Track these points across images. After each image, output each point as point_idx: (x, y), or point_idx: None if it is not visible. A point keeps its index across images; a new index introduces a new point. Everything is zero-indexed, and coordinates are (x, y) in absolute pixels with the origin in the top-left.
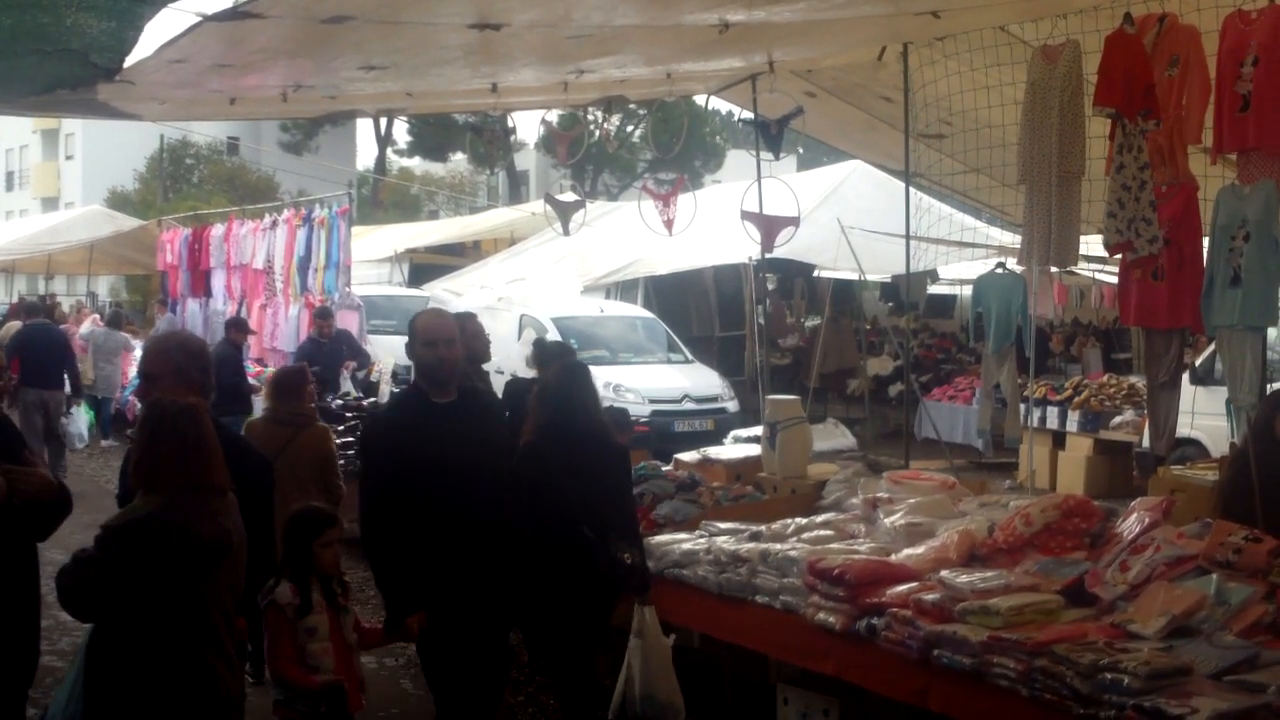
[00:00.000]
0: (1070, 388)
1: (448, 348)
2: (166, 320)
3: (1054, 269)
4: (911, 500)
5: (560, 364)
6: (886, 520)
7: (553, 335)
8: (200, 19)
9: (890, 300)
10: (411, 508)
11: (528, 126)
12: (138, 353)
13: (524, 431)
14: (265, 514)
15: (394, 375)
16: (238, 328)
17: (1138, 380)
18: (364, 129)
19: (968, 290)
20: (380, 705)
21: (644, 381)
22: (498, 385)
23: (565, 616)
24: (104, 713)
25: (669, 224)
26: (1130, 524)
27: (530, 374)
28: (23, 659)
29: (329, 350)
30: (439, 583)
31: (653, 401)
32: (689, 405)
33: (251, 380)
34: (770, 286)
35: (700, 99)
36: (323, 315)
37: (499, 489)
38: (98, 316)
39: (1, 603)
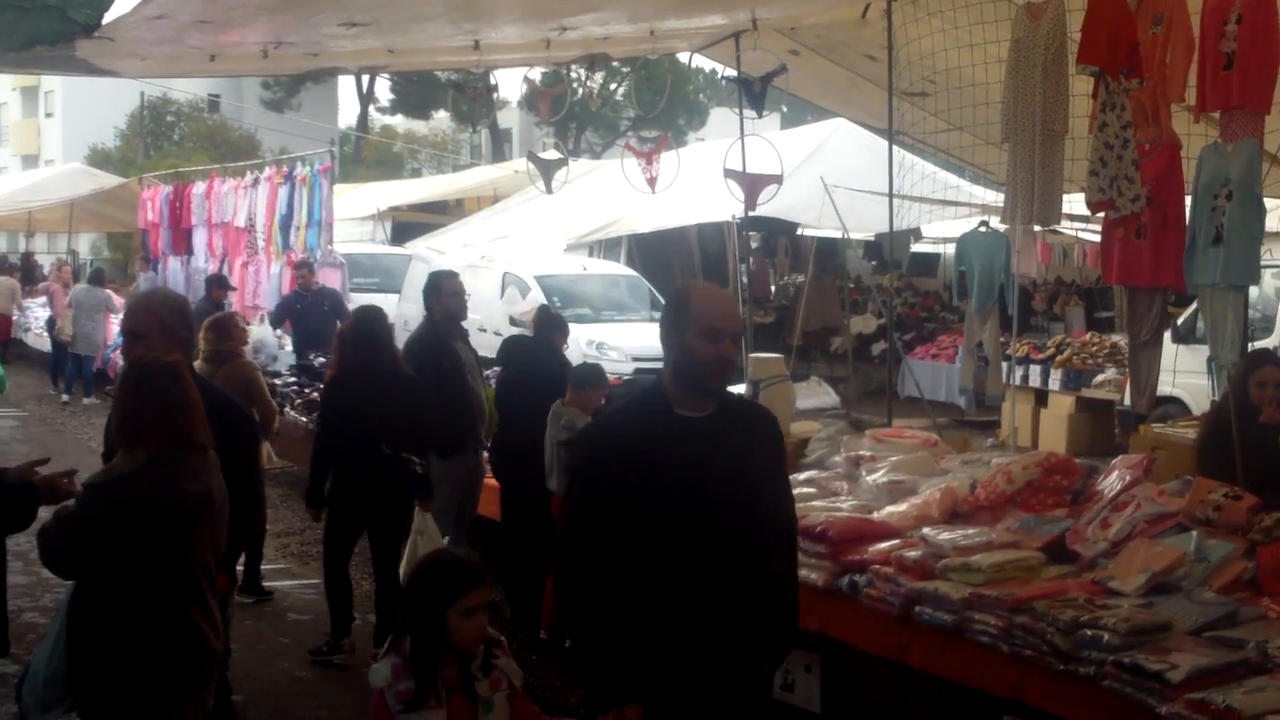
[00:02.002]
0: (1053, 346)
1: (734, 344)
2: (148, 278)
3: (1037, 227)
4: (894, 458)
5: (358, 310)
6: (869, 478)
7: (535, 293)
8: None
9: (873, 259)
10: (632, 560)
11: (510, 84)
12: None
13: (329, 366)
14: (249, 471)
15: None
16: (219, 285)
17: (1120, 339)
18: (346, 86)
19: (951, 249)
20: (363, 663)
21: (627, 339)
22: (480, 342)
23: (372, 514)
24: (86, 669)
25: (652, 182)
26: (1111, 481)
27: (515, 331)
28: None
29: (310, 304)
30: (666, 667)
31: (636, 359)
32: None
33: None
34: (753, 245)
35: (683, 57)
36: (303, 267)
37: (765, 542)
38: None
39: None
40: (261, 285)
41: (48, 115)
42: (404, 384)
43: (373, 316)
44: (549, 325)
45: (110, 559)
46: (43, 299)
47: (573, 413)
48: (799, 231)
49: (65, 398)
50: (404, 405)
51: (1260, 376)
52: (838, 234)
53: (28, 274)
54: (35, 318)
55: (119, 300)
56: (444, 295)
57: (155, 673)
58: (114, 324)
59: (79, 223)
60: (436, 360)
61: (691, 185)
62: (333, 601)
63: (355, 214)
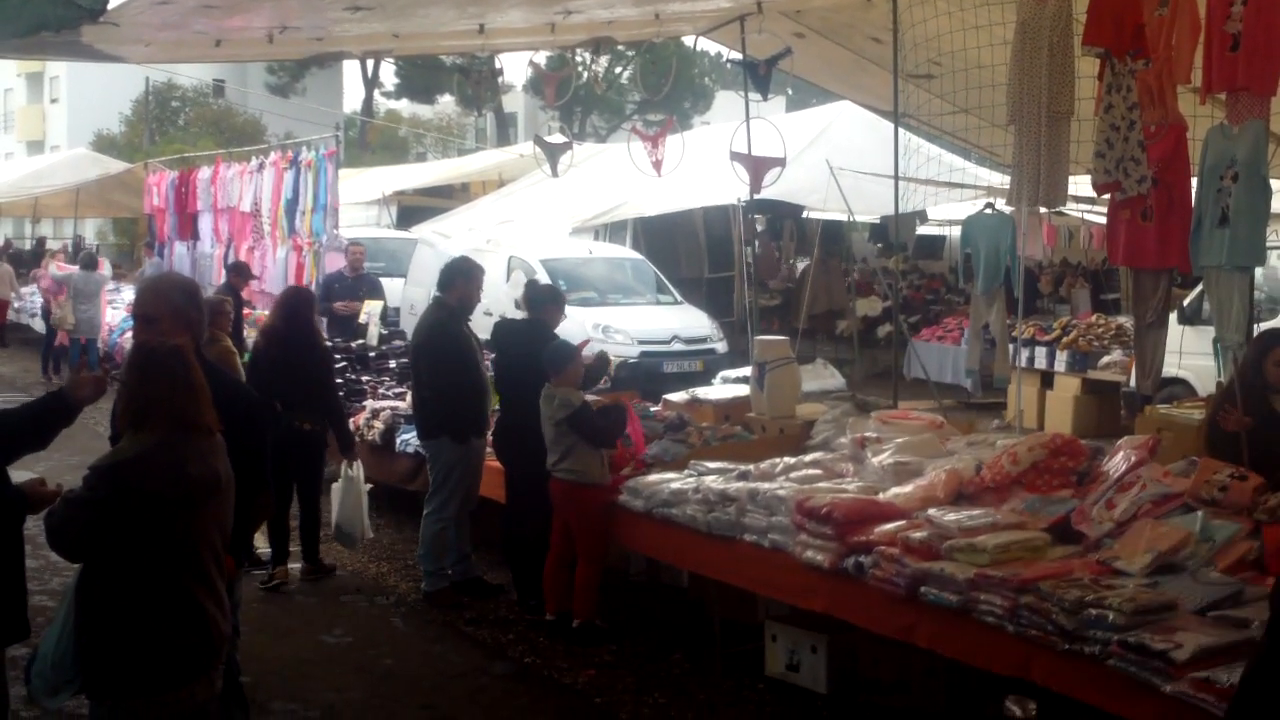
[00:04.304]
0: (1059, 328)
1: None
2: (153, 264)
3: (1043, 209)
4: (899, 439)
5: (286, 290)
6: (874, 459)
7: (541, 277)
8: None
9: (879, 241)
10: None
11: (515, 68)
12: (124, 293)
13: (259, 337)
14: (256, 454)
15: (383, 317)
16: (240, 273)
17: (1126, 320)
18: (351, 71)
19: (956, 231)
20: (371, 644)
21: (633, 323)
22: (484, 325)
23: (286, 464)
24: (94, 651)
25: (657, 165)
26: (1117, 462)
27: (518, 315)
28: (6, 618)
29: (348, 287)
30: None
31: (641, 342)
32: (678, 346)
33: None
34: (759, 228)
35: (689, 40)
36: (356, 244)
37: None
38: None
39: None
40: (268, 270)
41: (53, 101)
42: (319, 355)
43: (296, 295)
44: (538, 303)
45: (117, 542)
46: (32, 286)
47: (565, 391)
48: (804, 214)
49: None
50: (314, 372)
51: (1278, 355)
52: (843, 217)
53: (36, 258)
54: (39, 303)
55: (110, 270)
56: (472, 285)
57: (163, 654)
58: (109, 303)
59: (85, 208)
60: (454, 345)
61: (697, 168)
62: (272, 536)
63: (361, 198)
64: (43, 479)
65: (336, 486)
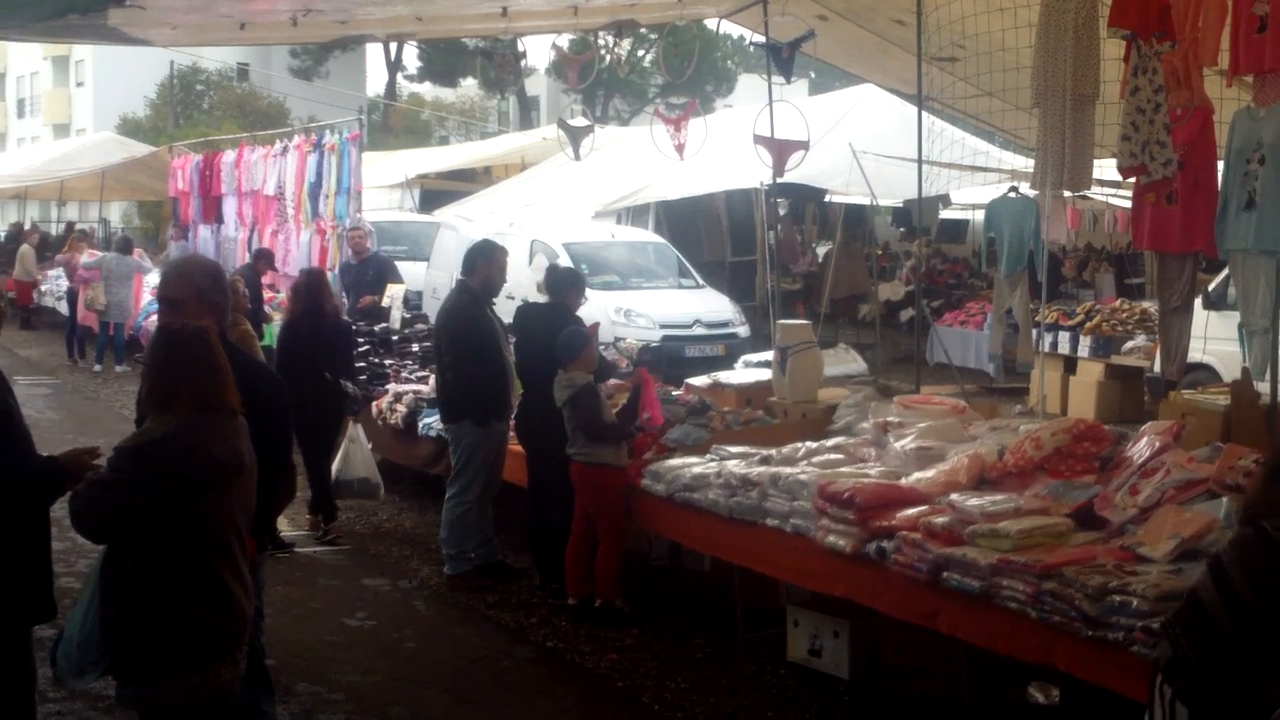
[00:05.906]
0: (1082, 313)
1: None
2: (179, 247)
3: (1067, 193)
4: (922, 424)
5: (305, 270)
6: (897, 444)
7: (564, 260)
8: None
9: (902, 225)
10: None
11: (538, 51)
12: (150, 277)
13: (284, 313)
14: (280, 436)
15: (405, 301)
16: (265, 260)
17: (1150, 305)
18: (374, 54)
19: (980, 215)
20: (394, 627)
21: (655, 306)
22: (507, 309)
23: (313, 423)
24: (119, 631)
25: (680, 149)
26: (1140, 448)
27: (541, 299)
28: (33, 599)
29: (356, 272)
30: None
31: (664, 326)
32: (700, 330)
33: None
34: (781, 211)
35: (711, 23)
36: (355, 229)
37: None
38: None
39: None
40: (291, 253)
41: (79, 85)
42: (343, 327)
43: (318, 274)
44: (558, 286)
45: (142, 523)
46: (58, 270)
47: (575, 375)
48: (827, 198)
49: (97, 367)
50: (342, 344)
51: None
52: (866, 200)
53: (63, 243)
54: (65, 286)
55: (149, 263)
56: (494, 268)
57: (188, 634)
58: (144, 289)
59: (110, 191)
60: (477, 328)
61: (719, 152)
62: (317, 495)
63: (384, 182)
64: (87, 450)
65: (345, 449)
